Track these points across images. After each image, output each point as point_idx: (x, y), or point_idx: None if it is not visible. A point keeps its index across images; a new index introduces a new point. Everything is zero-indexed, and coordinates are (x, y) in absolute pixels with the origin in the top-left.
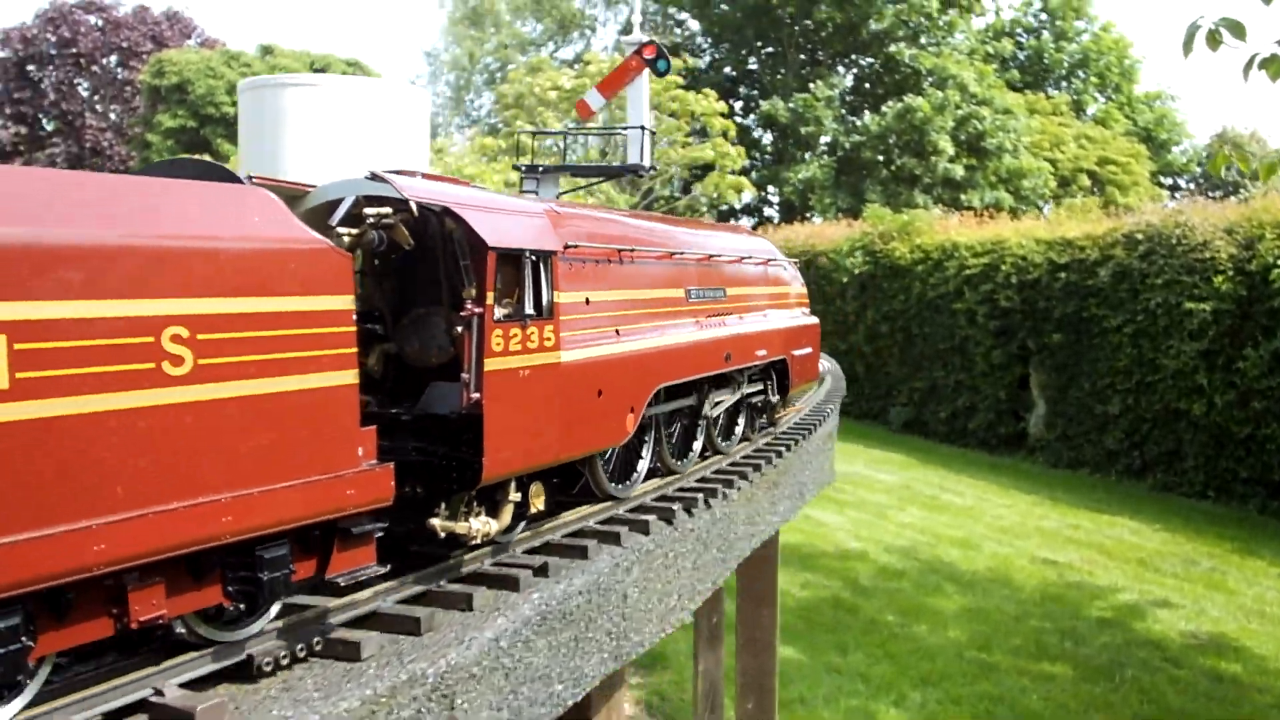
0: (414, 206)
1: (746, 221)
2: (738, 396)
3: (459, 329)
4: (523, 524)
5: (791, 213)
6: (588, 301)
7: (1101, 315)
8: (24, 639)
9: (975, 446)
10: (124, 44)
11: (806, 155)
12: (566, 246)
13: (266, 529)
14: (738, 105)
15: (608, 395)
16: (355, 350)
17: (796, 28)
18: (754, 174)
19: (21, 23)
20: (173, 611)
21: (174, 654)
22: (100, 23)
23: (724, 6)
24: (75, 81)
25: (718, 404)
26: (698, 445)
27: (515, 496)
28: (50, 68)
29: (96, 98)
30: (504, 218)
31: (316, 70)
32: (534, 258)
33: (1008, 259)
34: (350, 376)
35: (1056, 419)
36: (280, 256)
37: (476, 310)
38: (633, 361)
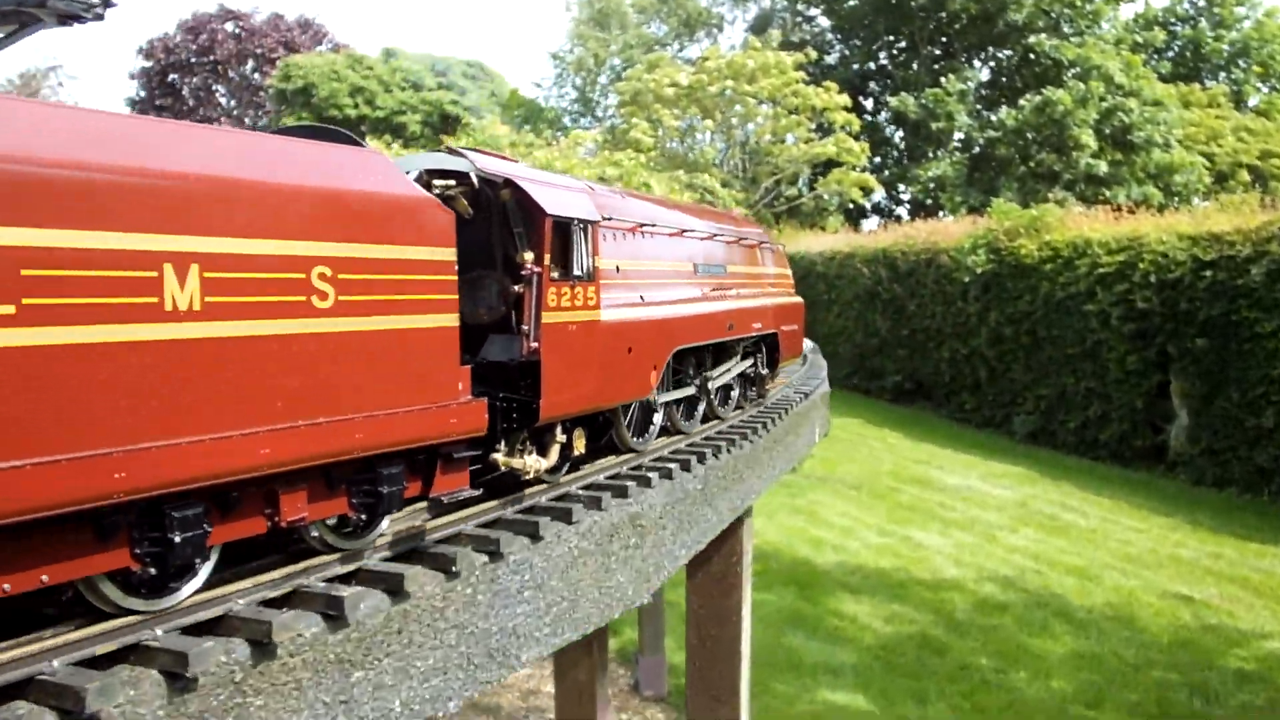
0: (475, 179)
1: (874, 221)
2: (737, 364)
3: (517, 287)
4: (567, 465)
5: (921, 212)
6: (618, 269)
7: (1254, 318)
8: (205, 526)
9: (1107, 460)
10: (258, 51)
11: (938, 152)
12: (604, 219)
13: (387, 447)
14: (868, 104)
15: (635, 353)
16: (456, 296)
17: (929, 20)
18: (884, 172)
19: (165, 33)
20: (311, 516)
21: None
22: (237, 30)
23: (853, 1)
24: (213, 88)
25: (720, 371)
26: (701, 408)
27: (561, 439)
28: (190, 75)
29: (233, 103)
30: (557, 191)
31: (437, 73)
32: (581, 226)
33: (1146, 256)
34: (453, 319)
35: (1201, 432)
36: (402, 210)
37: (536, 269)
38: (655, 325)
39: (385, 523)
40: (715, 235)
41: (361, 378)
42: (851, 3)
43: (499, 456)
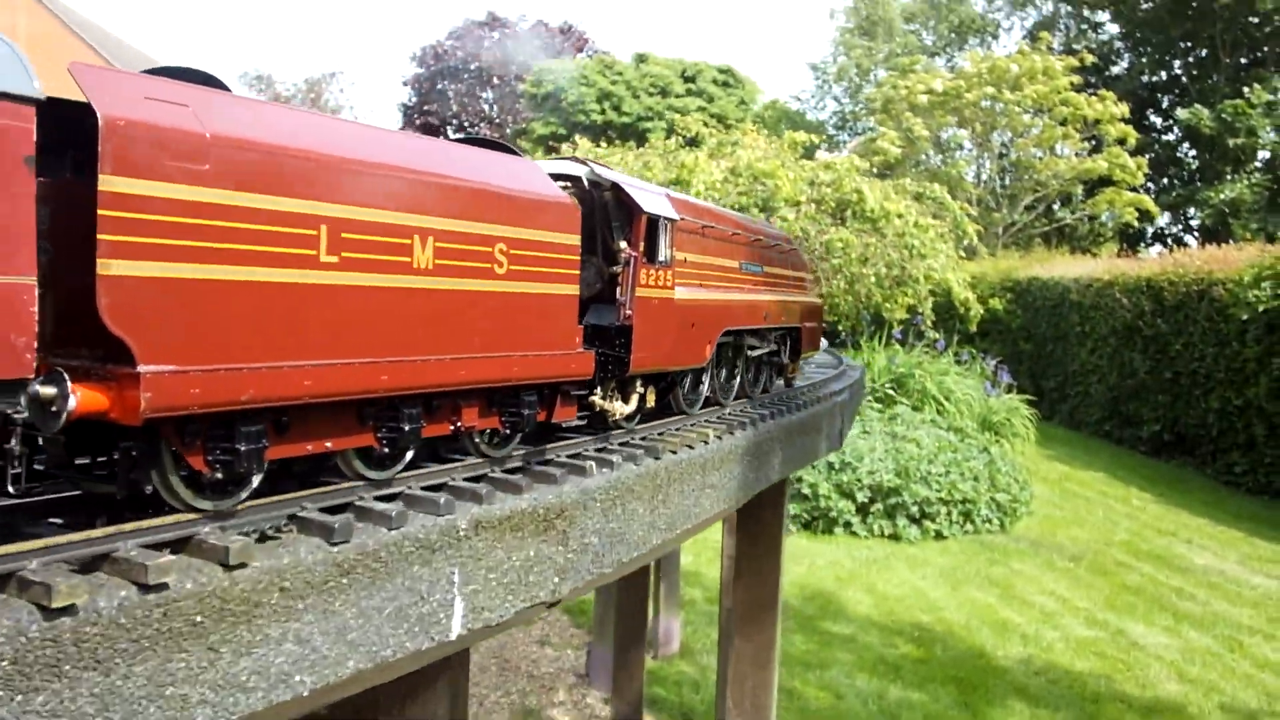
0: (585, 181)
1: (1156, 249)
2: (769, 348)
3: (616, 268)
4: (639, 415)
5: (1212, 239)
6: (685, 260)
7: None
8: (421, 421)
9: None
10: (521, 57)
11: (1235, 173)
12: (680, 219)
13: (530, 380)
14: (1156, 119)
15: (697, 329)
16: (578, 272)
17: (1233, 24)
18: (1171, 194)
19: (437, 41)
20: (478, 426)
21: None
22: (501, 38)
23: (1147, 4)
24: (478, 94)
25: (754, 351)
26: (736, 383)
27: (639, 391)
28: (456, 81)
29: (495, 109)
30: (649, 194)
31: (687, 79)
32: (665, 223)
33: None
34: (575, 289)
35: None
36: (547, 204)
37: (632, 254)
38: (711, 306)
39: (517, 439)
40: (756, 240)
41: (518, 327)
42: (1145, 5)
43: (595, 399)
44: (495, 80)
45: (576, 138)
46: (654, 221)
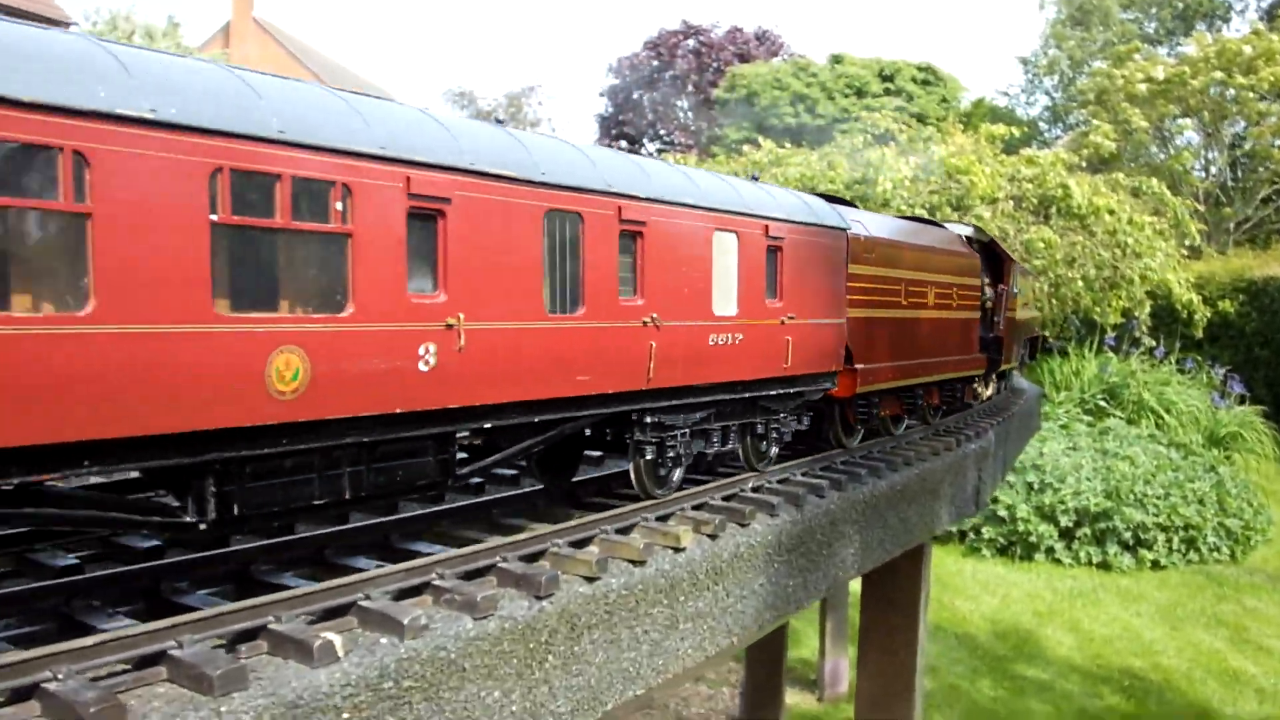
0: (971, 240)
1: None
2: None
3: (989, 298)
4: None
5: None
6: (1016, 291)
7: None
8: (921, 401)
9: None
10: (715, 64)
11: None
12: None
13: (957, 375)
14: None
15: (1011, 338)
16: (978, 302)
17: None
18: None
19: (634, 52)
20: (933, 404)
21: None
22: (697, 46)
23: None
24: (673, 102)
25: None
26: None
27: (994, 381)
28: (652, 90)
29: (689, 116)
30: (1004, 248)
31: (884, 78)
32: (1017, 266)
33: None
34: (977, 314)
35: None
36: (965, 258)
37: (1005, 289)
38: (1023, 322)
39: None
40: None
41: (957, 340)
42: None
43: (978, 386)
44: (690, 88)
45: (760, 139)
46: (1014, 265)
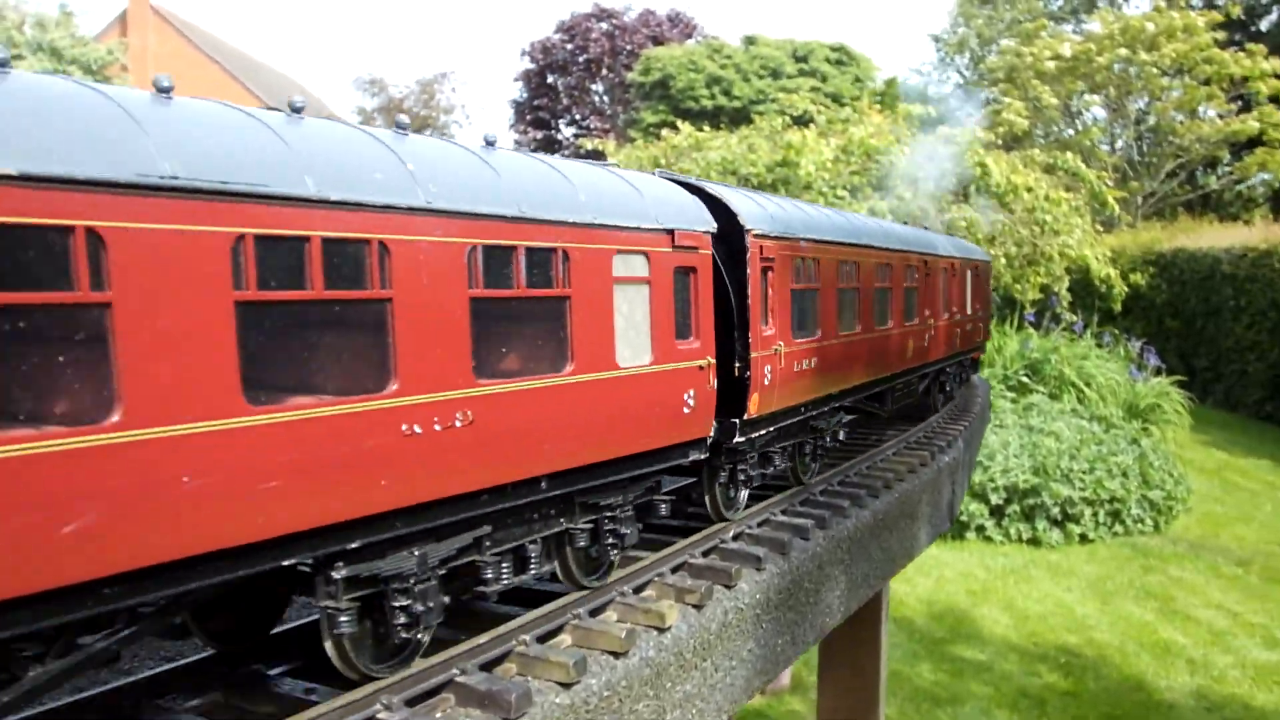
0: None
1: None
2: None
3: None
4: None
5: None
6: None
7: None
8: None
9: None
10: (629, 48)
11: None
12: None
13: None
14: None
15: None
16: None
17: None
18: None
19: (546, 36)
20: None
21: None
22: (610, 29)
23: None
24: (588, 86)
25: None
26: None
27: None
28: (566, 75)
29: (604, 100)
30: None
31: (798, 59)
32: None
33: None
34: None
35: None
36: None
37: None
38: None
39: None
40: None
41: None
42: None
43: None
44: (604, 72)
45: (679, 123)
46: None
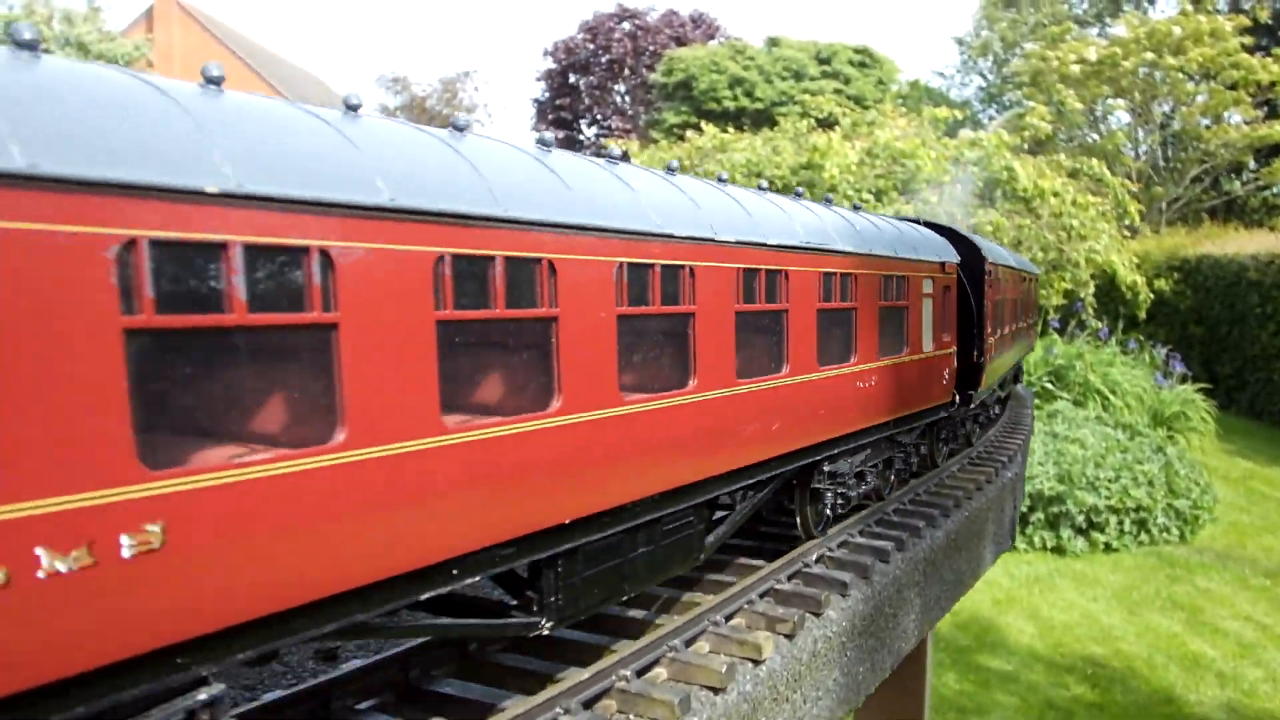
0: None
1: None
2: None
3: None
4: None
5: None
6: None
7: None
8: None
9: None
10: (651, 48)
11: None
12: None
13: None
14: None
15: None
16: None
17: None
18: None
19: (569, 36)
20: None
21: None
22: (632, 29)
23: None
24: (610, 86)
25: None
26: None
27: None
28: (588, 75)
29: (626, 100)
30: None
31: (821, 61)
32: None
33: None
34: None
35: None
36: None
37: None
38: None
39: None
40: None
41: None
42: None
43: None
44: (626, 72)
45: (703, 124)
46: None
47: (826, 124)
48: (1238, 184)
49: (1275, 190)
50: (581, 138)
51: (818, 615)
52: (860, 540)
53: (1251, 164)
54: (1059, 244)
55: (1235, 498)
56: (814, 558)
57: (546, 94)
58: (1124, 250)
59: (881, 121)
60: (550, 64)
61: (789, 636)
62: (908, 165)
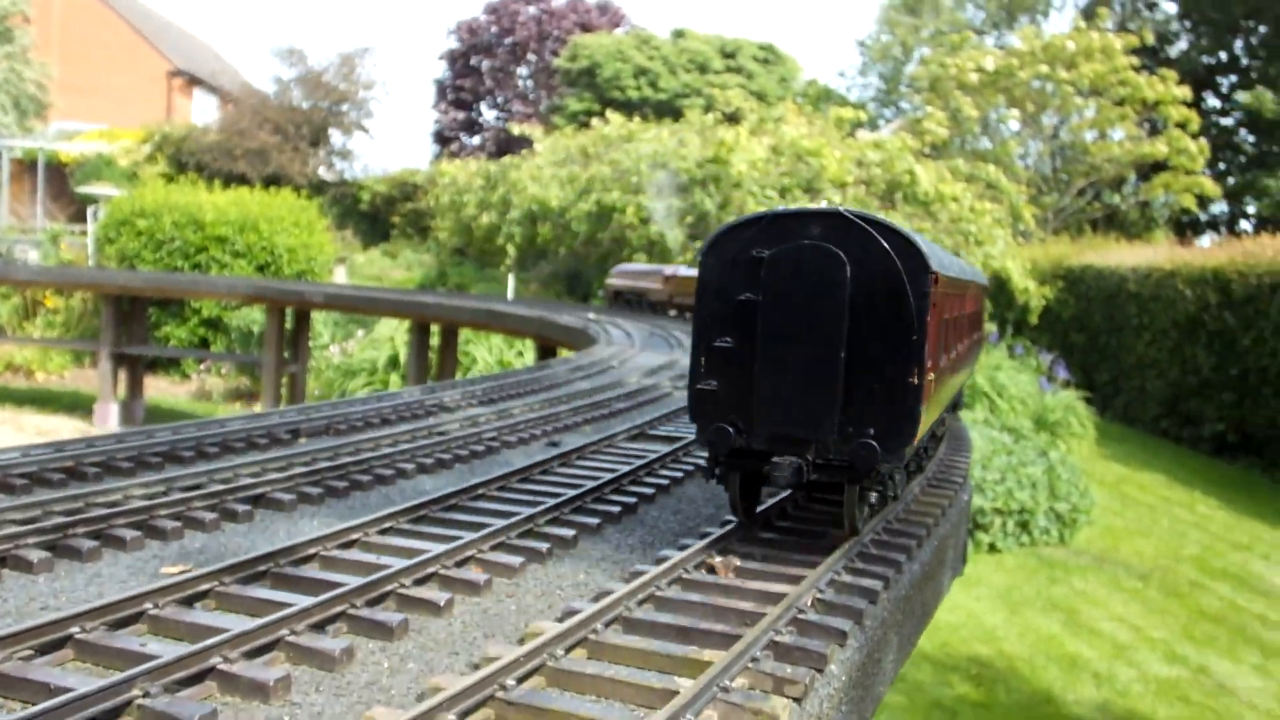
0: None
1: (1211, 237)
2: None
3: None
4: None
5: (1270, 229)
6: None
7: None
8: None
9: None
10: (556, 33)
11: None
12: None
13: None
14: (1214, 102)
15: None
16: None
17: None
18: (1228, 180)
19: (473, 17)
20: None
21: None
22: (538, 13)
23: None
24: (512, 70)
25: None
26: None
27: None
28: (491, 57)
29: (529, 85)
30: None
31: (726, 55)
32: None
33: None
34: None
35: None
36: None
37: None
38: None
39: None
40: None
41: None
42: None
43: None
44: (530, 57)
45: (608, 113)
46: None
47: (732, 118)
48: (1118, 197)
49: (1155, 204)
50: (481, 120)
51: (820, 671)
52: (848, 579)
53: (1133, 178)
54: (956, 249)
55: (1110, 501)
56: (807, 601)
57: (448, 74)
58: (1018, 257)
59: (786, 118)
60: (453, 43)
61: (798, 700)
62: (812, 164)
